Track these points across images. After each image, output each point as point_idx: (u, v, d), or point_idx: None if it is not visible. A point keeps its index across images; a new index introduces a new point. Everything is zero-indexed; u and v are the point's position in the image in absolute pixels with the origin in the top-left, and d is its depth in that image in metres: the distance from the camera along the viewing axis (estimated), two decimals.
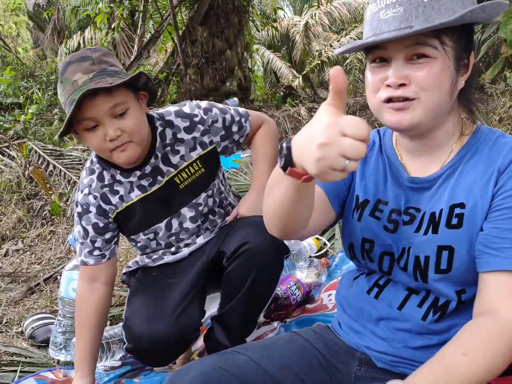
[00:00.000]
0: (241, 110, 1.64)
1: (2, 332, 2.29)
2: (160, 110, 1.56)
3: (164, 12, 7.58)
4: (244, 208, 1.58)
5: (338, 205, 1.14)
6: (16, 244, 3.56)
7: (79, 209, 1.54)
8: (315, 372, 1.09)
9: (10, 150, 4.55)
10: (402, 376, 1.00)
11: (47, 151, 4.41)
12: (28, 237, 3.59)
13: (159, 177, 1.52)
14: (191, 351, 1.83)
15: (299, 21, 14.12)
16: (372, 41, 0.93)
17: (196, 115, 1.53)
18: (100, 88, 1.30)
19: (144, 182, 1.52)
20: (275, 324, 1.85)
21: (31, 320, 2.21)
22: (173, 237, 1.59)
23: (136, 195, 1.52)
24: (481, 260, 0.94)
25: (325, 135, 0.69)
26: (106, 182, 1.52)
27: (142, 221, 1.55)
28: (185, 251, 1.61)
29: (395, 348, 1.03)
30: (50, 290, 2.74)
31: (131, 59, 7.22)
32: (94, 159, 1.54)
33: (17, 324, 2.35)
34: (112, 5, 6.88)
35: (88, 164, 1.55)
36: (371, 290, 1.09)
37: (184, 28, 7.12)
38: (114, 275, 1.61)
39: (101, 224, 1.53)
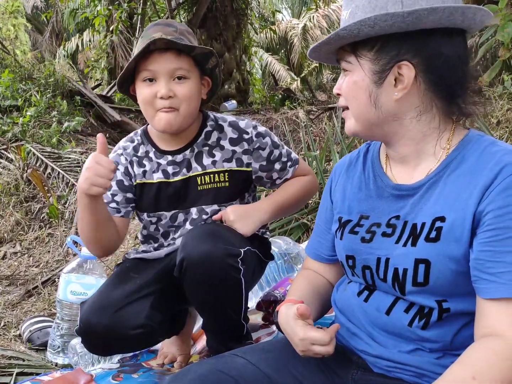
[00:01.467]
0: (294, 155, 1.63)
1: (0, 335, 2.28)
2: (218, 115, 1.62)
3: (162, 14, 7.59)
4: (232, 209, 1.51)
5: (334, 255, 1.24)
6: (14, 247, 3.55)
7: None
8: (313, 374, 1.09)
9: (8, 152, 4.54)
10: (398, 381, 1.01)
11: (45, 154, 4.40)
12: (26, 239, 3.59)
13: (184, 170, 1.55)
14: (190, 354, 1.83)
15: (297, 24, 14.15)
16: (310, 49, 1.07)
17: (248, 133, 1.55)
18: (172, 45, 1.40)
19: (170, 169, 1.55)
20: (273, 327, 1.85)
21: (29, 323, 2.21)
22: (173, 229, 1.59)
23: (157, 177, 1.56)
24: (479, 286, 0.92)
25: (301, 346, 1.01)
26: (138, 154, 1.58)
27: (152, 203, 1.57)
28: (163, 252, 1.60)
29: (389, 352, 1.03)
30: (48, 293, 2.75)
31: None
32: (139, 131, 1.62)
33: (15, 327, 2.35)
34: (110, 7, 6.89)
35: (132, 133, 1.63)
36: (361, 293, 1.09)
37: None
38: (122, 232, 1.57)
39: (126, 183, 1.57)
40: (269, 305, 1.88)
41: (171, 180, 1.55)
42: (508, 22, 2.97)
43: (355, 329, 1.10)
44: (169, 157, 1.55)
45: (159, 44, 1.39)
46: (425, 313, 0.99)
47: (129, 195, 1.58)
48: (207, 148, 1.55)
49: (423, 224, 0.98)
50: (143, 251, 1.65)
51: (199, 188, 1.54)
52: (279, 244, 2.13)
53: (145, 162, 1.57)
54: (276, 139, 1.61)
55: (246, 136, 1.55)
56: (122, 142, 1.61)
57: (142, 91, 1.45)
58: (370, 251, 1.05)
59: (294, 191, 1.61)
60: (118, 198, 1.56)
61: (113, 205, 1.57)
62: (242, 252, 1.40)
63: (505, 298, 0.88)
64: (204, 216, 1.56)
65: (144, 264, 1.59)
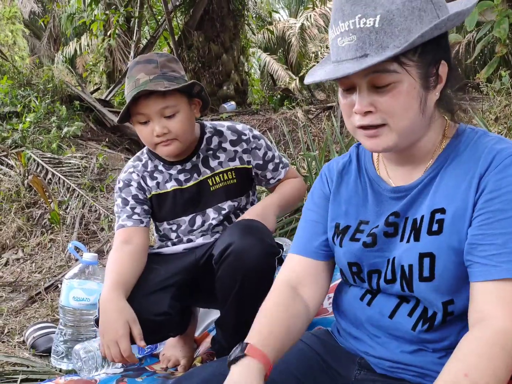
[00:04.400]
0: (284, 160, 1.78)
1: (3, 342, 2.29)
2: (215, 122, 1.75)
3: (159, 17, 7.60)
4: (249, 215, 1.59)
5: (326, 251, 1.15)
6: (16, 253, 3.56)
7: (120, 184, 1.69)
8: (316, 376, 1.09)
9: (9, 159, 4.54)
10: (400, 382, 1.01)
11: (46, 159, 4.40)
12: (28, 246, 3.60)
13: (195, 175, 1.67)
14: (193, 357, 1.83)
15: (295, 23, 14.15)
16: (329, 78, 0.93)
17: (245, 134, 1.69)
18: (154, 90, 1.49)
19: (181, 177, 1.67)
20: None
21: (32, 329, 2.21)
22: (194, 232, 1.69)
23: (171, 185, 1.67)
24: (472, 270, 0.92)
25: None
26: (148, 169, 1.69)
27: (170, 211, 1.69)
28: (181, 246, 1.69)
29: (392, 353, 1.03)
30: (51, 299, 2.75)
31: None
32: (145, 151, 1.74)
33: (19, 334, 2.35)
34: (107, 12, 6.90)
35: (138, 153, 1.76)
36: (364, 297, 1.08)
37: (179, 33, 7.14)
38: (147, 245, 1.66)
39: (141, 197, 1.68)
40: None
41: (185, 186, 1.68)
42: (504, 18, 2.98)
43: (357, 333, 1.10)
44: (178, 167, 1.67)
45: (144, 92, 1.49)
46: (428, 317, 0.99)
47: (146, 207, 1.69)
48: (211, 152, 1.68)
49: (422, 217, 0.98)
50: (159, 247, 1.74)
51: (211, 189, 1.67)
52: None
53: (156, 175, 1.69)
54: (269, 143, 1.75)
55: (244, 137, 1.69)
56: (131, 162, 1.73)
57: (140, 131, 1.58)
58: (377, 254, 1.04)
59: (291, 187, 1.75)
60: (138, 210, 1.67)
61: (136, 217, 1.66)
62: (281, 251, 1.50)
63: (496, 279, 0.88)
64: (223, 212, 1.68)
65: (164, 258, 1.68)
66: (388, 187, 1.06)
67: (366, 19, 0.88)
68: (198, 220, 1.68)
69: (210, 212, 1.68)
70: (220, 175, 1.67)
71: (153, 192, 1.68)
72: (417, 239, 0.98)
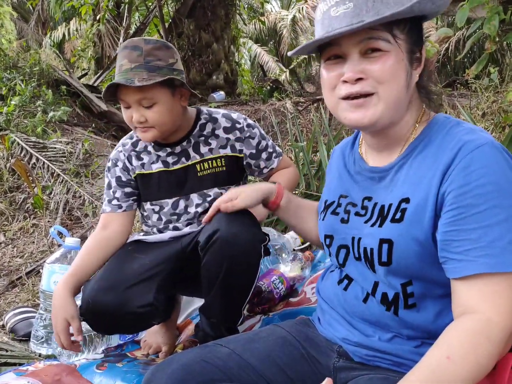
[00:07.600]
0: (277, 148, 1.81)
1: None
2: (212, 109, 1.75)
3: (150, 3, 7.52)
4: None
5: None
6: None
7: (109, 163, 1.73)
8: (297, 363, 1.10)
9: None
10: (377, 369, 1.02)
11: (30, 144, 4.35)
12: (10, 230, 3.55)
13: (183, 159, 1.68)
14: (175, 344, 1.83)
15: (287, 15, 14.11)
16: (325, 37, 0.94)
17: (239, 123, 1.70)
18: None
19: (169, 160, 1.68)
20: (258, 317, 1.85)
21: (13, 314, 2.19)
22: (175, 217, 1.70)
23: (157, 167, 1.69)
24: (449, 266, 0.92)
25: None
26: (137, 148, 1.71)
27: (154, 192, 1.70)
28: (167, 234, 1.69)
29: (369, 340, 1.04)
30: (32, 284, 2.72)
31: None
32: None
33: None
34: None
35: (131, 131, 1.74)
36: (342, 281, 1.10)
37: (170, 20, 7.07)
38: (126, 230, 1.71)
39: (123, 179, 1.71)
40: (253, 296, 1.88)
41: (171, 168, 1.68)
42: (494, 15, 2.98)
43: (337, 316, 1.11)
44: (168, 149, 1.68)
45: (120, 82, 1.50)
46: (394, 298, 1.00)
47: (128, 189, 1.71)
48: (203, 138, 1.68)
49: (390, 206, 1.00)
50: (145, 234, 1.74)
51: (199, 175, 1.67)
52: None
53: (143, 156, 1.70)
54: (263, 132, 1.76)
55: (238, 126, 1.69)
56: (123, 139, 1.75)
57: (124, 113, 1.58)
58: (346, 230, 1.09)
59: (285, 177, 1.78)
60: (118, 194, 1.70)
61: (115, 202, 1.70)
62: (267, 238, 1.52)
63: (474, 274, 0.88)
64: (208, 199, 1.67)
65: (148, 246, 1.67)
66: (366, 166, 1.11)
67: None
68: (181, 204, 1.68)
69: (194, 197, 1.67)
70: (209, 161, 1.67)
71: (137, 172, 1.70)
72: (381, 225, 1.00)
